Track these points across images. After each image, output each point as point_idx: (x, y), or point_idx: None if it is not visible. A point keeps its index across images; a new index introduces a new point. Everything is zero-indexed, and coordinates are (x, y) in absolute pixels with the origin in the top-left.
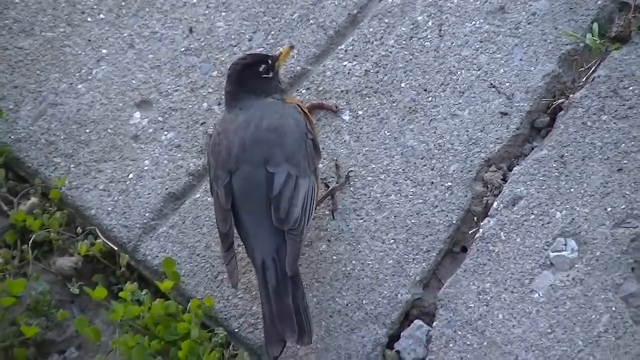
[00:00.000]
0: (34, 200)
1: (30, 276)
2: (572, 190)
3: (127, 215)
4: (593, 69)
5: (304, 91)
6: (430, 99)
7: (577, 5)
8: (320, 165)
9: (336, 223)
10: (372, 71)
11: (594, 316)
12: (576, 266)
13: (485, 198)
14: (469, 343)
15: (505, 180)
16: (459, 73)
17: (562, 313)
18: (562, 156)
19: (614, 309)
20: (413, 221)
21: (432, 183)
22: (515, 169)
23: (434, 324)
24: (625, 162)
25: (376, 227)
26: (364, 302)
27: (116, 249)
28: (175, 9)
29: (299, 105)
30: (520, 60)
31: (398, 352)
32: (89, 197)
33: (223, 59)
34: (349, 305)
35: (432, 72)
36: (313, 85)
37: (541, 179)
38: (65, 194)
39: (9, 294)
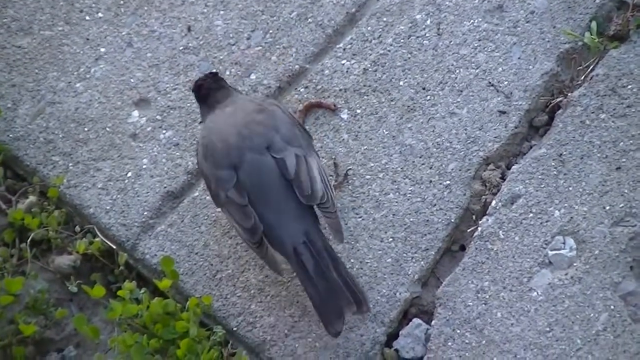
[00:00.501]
0: (32, 198)
1: (28, 274)
2: (571, 188)
3: (126, 213)
4: (591, 67)
5: (302, 89)
6: (428, 97)
7: (575, 4)
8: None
9: None
10: (370, 69)
11: (592, 314)
12: (574, 264)
13: (483, 196)
14: (467, 341)
15: (503, 178)
16: (457, 71)
17: (560, 311)
18: (561, 154)
19: (612, 307)
20: (411, 219)
21: (431, 181)
22: (513, 167)
23: (433, 322)
24: (624, 160)
25: (374, 225)
26: None
27: (114, 247)
28: (173, 8)
29: None
30: (519, 58)
31: (396, 350)
32: (87, 196)
33: (221, 57)
34: None
35: (430, 70)
36: (311, 83)
37: (539, 177)
38: (63, 192)
39: (7, 292)
